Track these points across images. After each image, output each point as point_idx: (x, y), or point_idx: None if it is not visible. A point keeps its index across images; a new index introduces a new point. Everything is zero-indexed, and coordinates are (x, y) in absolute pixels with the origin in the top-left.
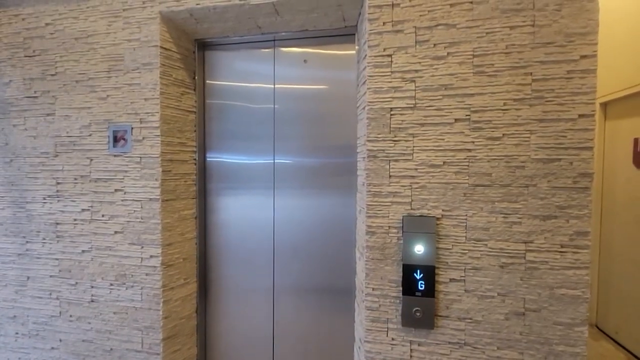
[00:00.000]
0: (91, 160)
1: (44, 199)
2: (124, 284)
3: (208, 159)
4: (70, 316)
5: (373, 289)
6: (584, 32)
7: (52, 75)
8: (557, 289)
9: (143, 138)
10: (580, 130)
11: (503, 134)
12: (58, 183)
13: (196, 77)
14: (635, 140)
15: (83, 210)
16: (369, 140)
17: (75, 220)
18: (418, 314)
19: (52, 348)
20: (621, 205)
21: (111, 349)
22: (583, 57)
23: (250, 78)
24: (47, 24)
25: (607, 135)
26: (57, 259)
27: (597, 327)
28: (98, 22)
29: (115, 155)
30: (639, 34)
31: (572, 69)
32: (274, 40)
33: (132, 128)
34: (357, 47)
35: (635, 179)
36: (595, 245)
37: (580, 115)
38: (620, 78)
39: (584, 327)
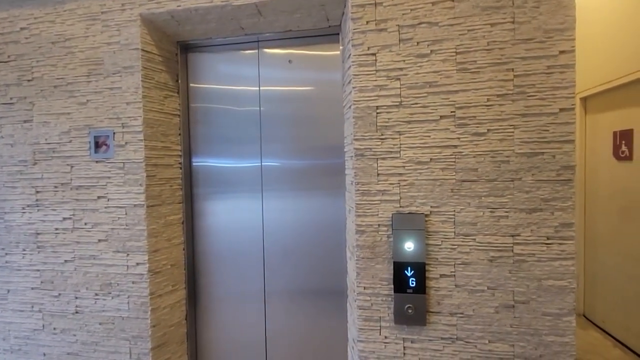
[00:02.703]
0: (72, 167)
1: (23, 208)
2: (110, 293)
3: (194, 164)
4: (54, 329)
5: (365, 288)
6: (562, 28)
7: (29, 80)
8: (545, 281)
9: (126, 143)
10: (561, 124)
11: (487, 130)
12: (37, 192)
13: (179, 80)
14: (615, 133)
15: (65, 219)
16: (355, 139)
17: (56, 229)
18: (410, 311)
19: None
20: (604, 197)
21: None
22: (562, 52)
23: (235, 80)
24: (22, 29)
25: (587, 129)
26: (38, 270)
27: (585, 317)
28: (75, 26)
29: (97, 162)
30: (616, 30)
31: (552, 64)
32: (258, 41)
33: (114, 133)
34: (341, 47)
35: (616, 171)
36: (580, 237)
37: (561, 109)
38: (599, 73)
39: (572, 317)
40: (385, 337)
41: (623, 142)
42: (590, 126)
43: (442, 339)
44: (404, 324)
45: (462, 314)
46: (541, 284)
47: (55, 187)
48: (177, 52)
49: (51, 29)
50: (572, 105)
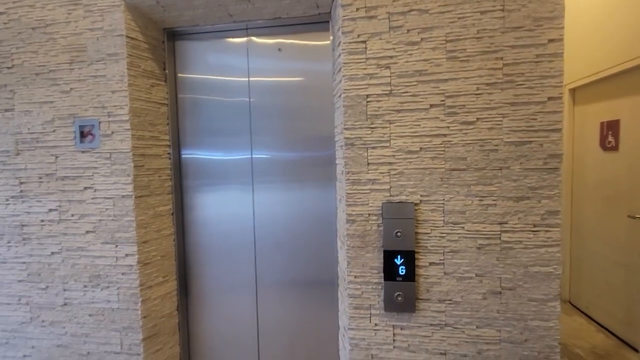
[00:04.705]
0: (57, 157)
1: (7, 200)
2: (99, 285)
3: (183, 156)
4: (43, 321)
5: (355, 277)
6: (551, 16)
7: (9, 68)
8: (531, 267)
9: (112, 132)
10: (549, 113)
11: (477, 118)
12: (22, 183)
13: (167, 70)
14: (602, 124)
15: (50, 210)
16: (346, 128)
17: (42, 221)
18: (400, 298)
19: (25, 356)
20: (590, 186)
21: (88, 353)
22: (551, 40)
23: (224, 69)
24: (0, 13)
25: (576, 120)
26: (24, 263)
27: (570, 303)
28: (56, 10)
29: (82, 152)
30: (604, 22)
31: (541, 53)
32: (247, 29)
33: (99, 122)
34: (331, 35)
35: (602, 161)
36: (567, 225)
37: (549, 98)
38: (587, 65)
39: (557, 302)
40: (376, 325)
41: (610, 132)
42: (579, 117)
43: (431, 325)
44: (394, 311)
45: (450, 300)
46: (527, 271)
47: (40, 177)
48: (164, 39)
49: (31, 14)
50: (560, 94)
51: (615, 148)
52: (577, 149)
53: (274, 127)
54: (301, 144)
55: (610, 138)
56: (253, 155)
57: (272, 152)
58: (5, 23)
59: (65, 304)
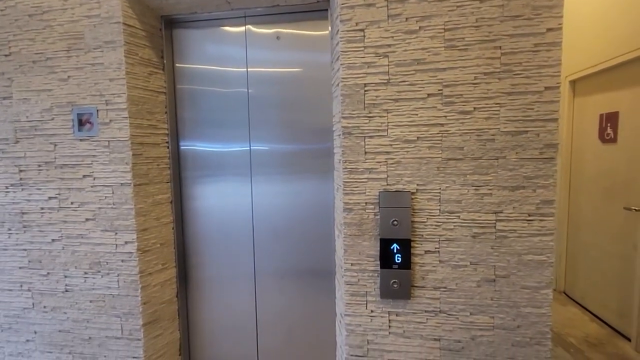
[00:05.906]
0: (55, 145)
1: (7, 187)
2: (99, 271)
3: (182, 147)
4: (44, 307)
5: (352, 264)
6: (551, 4)
7: (6, 55)
8: (525, 255)
9: (110, 120)
10: (546, 103)
11: (474, 108)
12: (21, 170)
13: (165, 58)
14: (601, 116)
15: (50, 198)
16: (343, 117)
17: (42, 208)
18: (395, 285)
19: (27, 340)
20: (588, 178)
21: (90, 338)
22: (549, 29)
23: (221, 58)
24: None
25: (575, 112)
26: (25, 250)
27: (565, 294)
28: None
29: (81, 140)
30: (604, 14)
31: (539, 42)
32: (245, 17)
33: (97, 110)
34: (330, 25)
35: (600, 153)
36: (564, 217)
37: (547, 88)
38: (588, 56)
39: (549, 290)
40: (372, 311)
41: (609, 124)
42: (578, 109)
43: (426, 312)
44: (390, 298)
45: (445, 288)
46: (521, 259)
47: (39, 165)
48: (162, 26)
49: (27, 1)
50: (557, 83)
51: (613, 140)
52: (576, 140)
53: (272, 119)
54: (299, 136)
55: (609, 130)
56: (251, 147)
57: (270, 144)
58: (1, 10)
59: (66, 290)
